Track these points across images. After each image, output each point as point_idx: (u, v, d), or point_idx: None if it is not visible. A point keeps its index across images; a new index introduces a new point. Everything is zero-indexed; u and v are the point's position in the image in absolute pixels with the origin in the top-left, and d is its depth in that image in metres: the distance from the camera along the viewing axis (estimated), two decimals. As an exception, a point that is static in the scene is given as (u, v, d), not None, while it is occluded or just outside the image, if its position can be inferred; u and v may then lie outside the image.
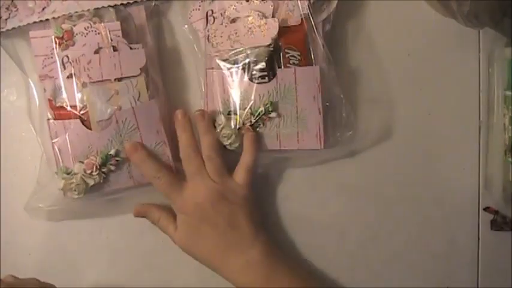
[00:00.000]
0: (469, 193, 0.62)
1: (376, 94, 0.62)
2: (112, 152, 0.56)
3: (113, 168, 0.57)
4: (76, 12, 0.56)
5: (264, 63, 0.56)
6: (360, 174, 0.63)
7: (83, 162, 0.56)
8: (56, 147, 0.56)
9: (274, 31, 0.55)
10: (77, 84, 0.55)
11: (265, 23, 0.56)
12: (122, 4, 0.57)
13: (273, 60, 0.57)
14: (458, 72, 0.62)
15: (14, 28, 0.57)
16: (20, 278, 0.53)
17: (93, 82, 0.55)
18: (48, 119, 0.56)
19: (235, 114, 0.57)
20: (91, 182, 0.56)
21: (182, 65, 0.62)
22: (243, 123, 0.57)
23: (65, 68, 0.55)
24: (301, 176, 0.62)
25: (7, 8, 0.56)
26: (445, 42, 0.62)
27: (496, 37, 0.59)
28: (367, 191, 0.63)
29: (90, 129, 0.56)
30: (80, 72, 0.55)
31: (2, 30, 0.57)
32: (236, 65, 0.57)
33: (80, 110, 0.55)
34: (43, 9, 0.56)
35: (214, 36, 0.57)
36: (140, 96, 0.56)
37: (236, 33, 0.57)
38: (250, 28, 0.56)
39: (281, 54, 0.57)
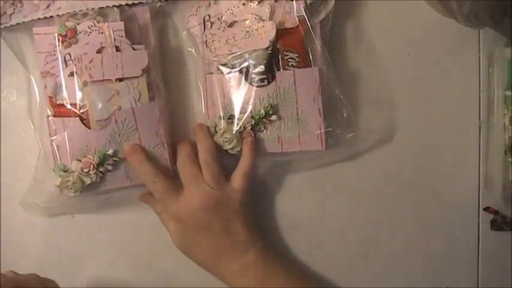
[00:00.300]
0: (469, 193, 0.63)
1: (376, 94, 0.62)
2: (110, 151, 0.56)
3: (110, 167, 0.56)
4: (81, 10, 0.56)
5: (262, 66, 0.56)
6: (359, 174, 0.63)
7: (80, 161, 0.56)
8: (54, 144, 0.56)
9: (272, 34, 0.55)
10: (78, 82, 0.55)
11: (263, 26, 0.55)
12: (126, 4, 0.57)
13: (271, 63, 0.56)
14: (458, 72, 0.62)
15: (18, 23, 0.56)
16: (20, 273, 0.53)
17: (94, 81, 0.55)
18: (48, 116, 0.56)
19: (236, 118, 0.57)
20: (87, 181, 0.56)
21: (184, 67, 0.61)
22: (244, 127, 0.57)
23: (66, 66, 0.55)
24: (302, 176, 0.62)
25: (12, 3, 0.56)
26: (445, 42, 0.62)
27: (496, 37, 0.59)
28: (367, 191, 0.63)
29: (89, 128, 0.55)
30: (81, 71, 0.55)
31: (6, 25, 0.56)
32: (235, 69, 0.56)
33: (80, 109, 0.55)
34: (48, 6, 0.56)
35: (212, 41, 0.57)
36: (141, 97, 0.56)
37: (234, 37, 0.56)
38: (247, 32, 0.56)
39: (279, 57, 0.56)
